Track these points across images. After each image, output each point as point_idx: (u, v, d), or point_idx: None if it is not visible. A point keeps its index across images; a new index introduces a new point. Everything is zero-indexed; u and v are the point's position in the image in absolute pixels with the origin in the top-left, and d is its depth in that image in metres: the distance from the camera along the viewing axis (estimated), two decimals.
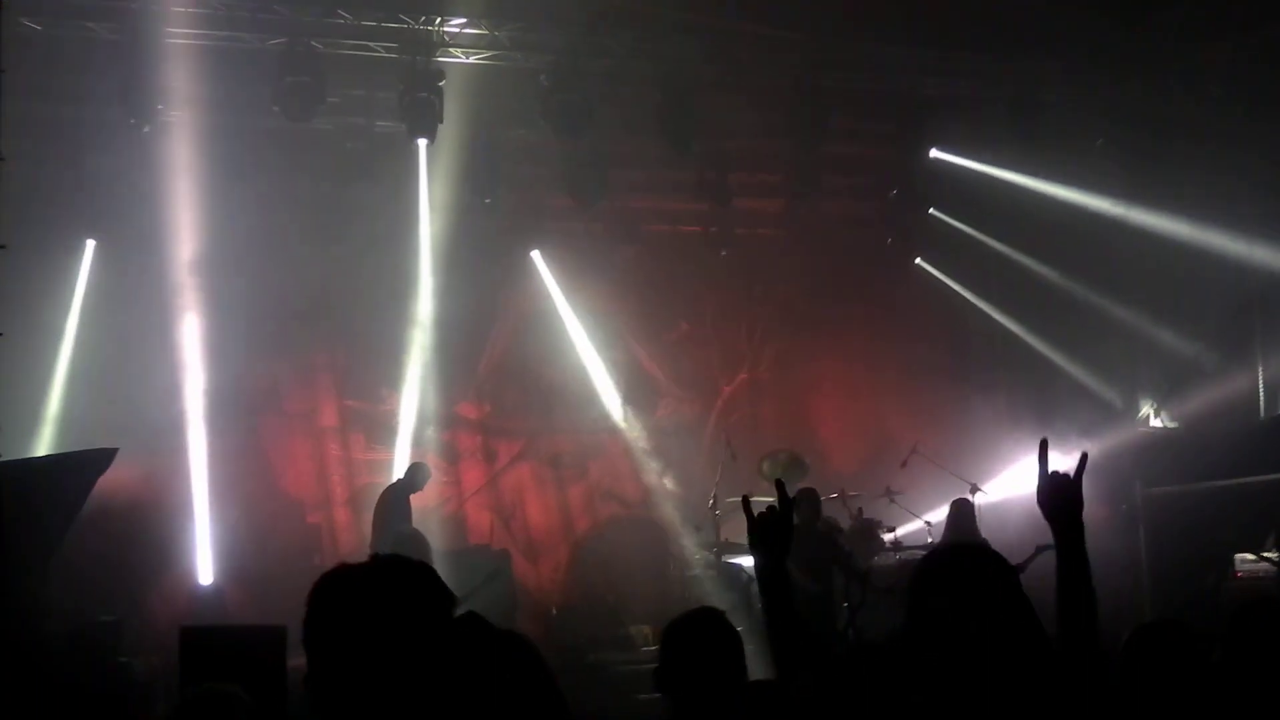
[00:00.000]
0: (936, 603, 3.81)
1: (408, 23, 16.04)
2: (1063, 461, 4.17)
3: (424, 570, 2.95)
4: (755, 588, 14.59)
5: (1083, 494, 4.06)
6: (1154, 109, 17.84)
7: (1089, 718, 3.85)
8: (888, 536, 16.80)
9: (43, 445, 16.51)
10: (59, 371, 17.21)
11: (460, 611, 3.07)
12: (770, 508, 4.45)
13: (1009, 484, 18.40)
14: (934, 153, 19.40)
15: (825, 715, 4.14)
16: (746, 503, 4.55)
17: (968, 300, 21.04)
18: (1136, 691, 4.89)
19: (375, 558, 3.04)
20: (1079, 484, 4.08)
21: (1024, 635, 3.79)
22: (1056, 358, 20.22)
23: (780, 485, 4.55)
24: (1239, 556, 15.16)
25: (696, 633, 4.85)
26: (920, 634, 3.80)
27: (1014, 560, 4.30)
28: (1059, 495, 4.08)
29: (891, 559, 16.27)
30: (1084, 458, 4.21)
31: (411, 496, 16.02)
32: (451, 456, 19.36)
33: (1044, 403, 19.94)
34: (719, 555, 17.07)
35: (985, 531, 15.48)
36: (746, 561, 16.82)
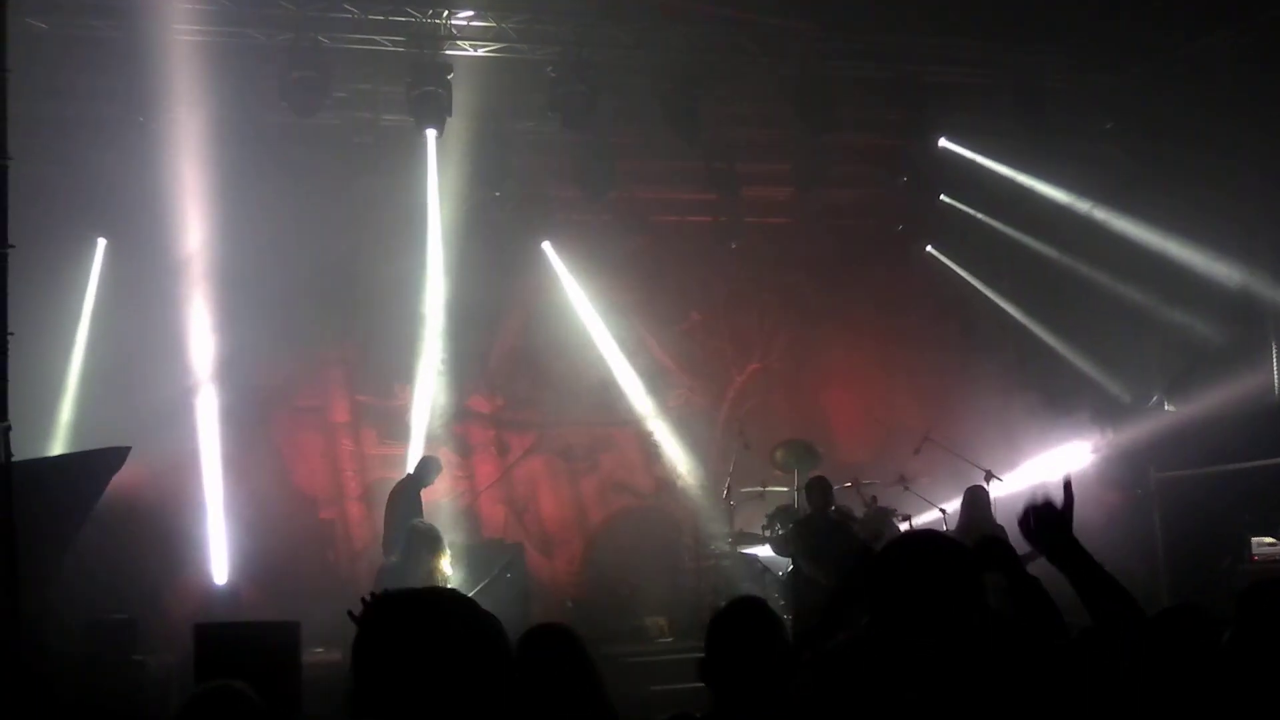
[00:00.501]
0: (892, 596, 3.77)
1: (414, 16, 16.01)
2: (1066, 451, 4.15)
3: (488, 622, 2.94)
4: (769, 577, 14.57)
5: (1068, 520, 4.03)
6: (1159, 94, 17.78)
7: (1103, 702, 3.83)
8: (902, 524, 16.78)
9: (55, 445, 16.55)
10: (71, 371, 17.25)
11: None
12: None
13: (1023, 472, 18.38)
14: (943, 142, 19.35)
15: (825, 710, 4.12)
16: (807, 523, 4.68)
17: (978, 288, 21.00)
18: (1153, 677, 4.85)
19: (435, 592, 3.01)
20: (1066, 513, 4.04)
21: (997, 622, 3.76)
22: (1064, 346, 20.13)
23: (1068, 484, 4.36)
24: (1255, 540, 15.13)
25: (742, 623, 4.84)
26: (882, 629, 3.76)
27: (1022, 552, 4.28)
28: (1040, 523, 4.05)
29: None
30: (1068, 484, 4.17)
31: (423, 490, 16.03)
32: (464, 450, 19.36)
33: (1057, 388, 19.90)
34: (733, 545, 17.07)
35: (1001, 520, 15.45)
36: (761, 551, 16.84)
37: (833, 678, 4.09)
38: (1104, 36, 17.12)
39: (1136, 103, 18.14)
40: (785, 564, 15.58)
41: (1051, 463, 18.19)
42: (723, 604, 5.07)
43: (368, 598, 4.01)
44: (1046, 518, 4.05)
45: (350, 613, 2.94)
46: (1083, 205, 19.08)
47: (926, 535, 4.23)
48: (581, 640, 5.22)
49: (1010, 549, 4.16)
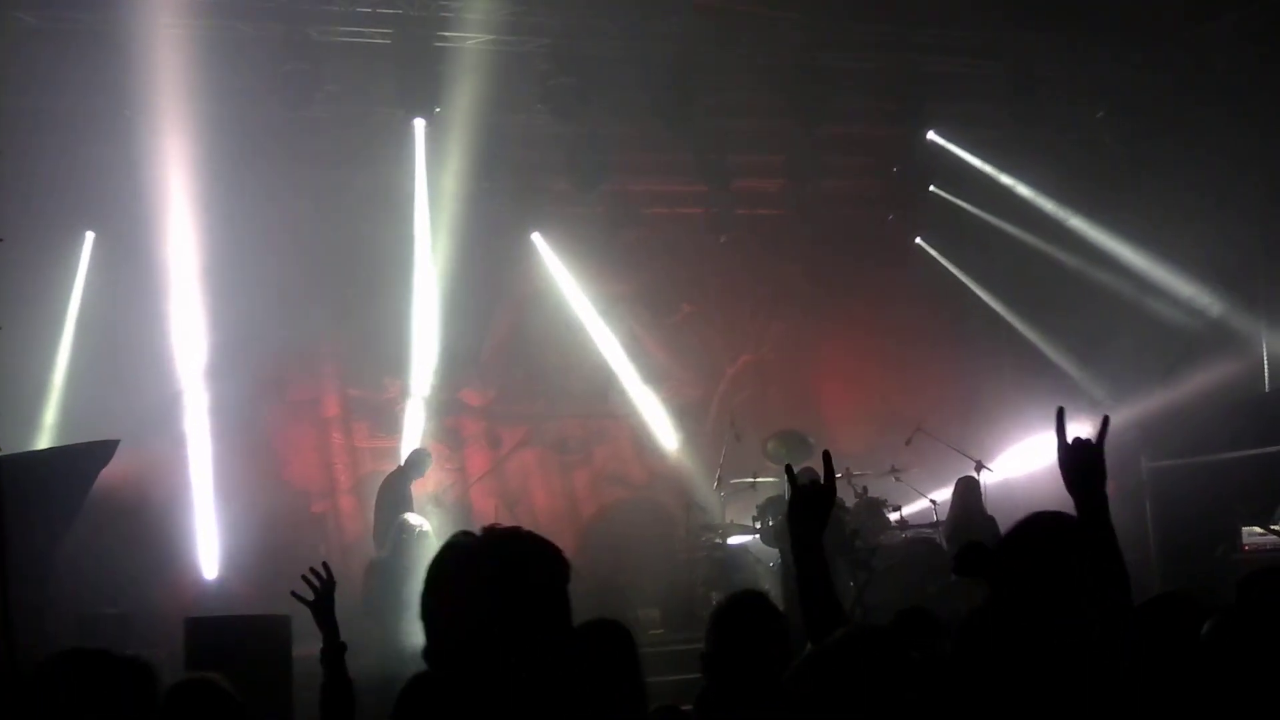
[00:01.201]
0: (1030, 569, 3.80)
1: (404, 8, 15.97)
2: (1073, 430, 4.13)
3: (547, 548, 2.94)
4: (760, 569, 14.56)
5: (1104, 461, 4.02)
6: (1155, 82, 17.77)
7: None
8: (893, 515, 16.81)
9: (44, 438, 16.51)
10: (60, 364, 17.19)
11: None
12: (814, 481, 4.64)
13: (1014, 461, 18.41)
14: (931, 135, 19.36)
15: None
16: (790, 471, 4.77)
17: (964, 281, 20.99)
18: (1145, 664, 4.85)
19: (495, 529, 3.00)
20: (1100, 451, 4.03)
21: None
22: (1046, 340, 20.09)
23: (827, 457, 4.79)
24: (1246, 529, 15.14)
25: (744, 617, 4.85)
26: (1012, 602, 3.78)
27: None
28: (1081, 463, 4.04)
29: (897, 537, 16.27)
30: (1105, 421, 4.17)
31: (415, 483, 16.03)
32: (455, 443, 19.35)
33: (1048, 378, 19.91)
34: (725, 536, 17.08)
35: (991, 509, 15.48)
36: (751, 542, 16.85)
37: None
38: (1099, 22, 17.09)
39: (1131, 89, 18.11)
40: (775, 555, 15.60)
41: (1034, 451, 18.29)
42: (714, 596, 5.09)
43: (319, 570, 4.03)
44: (1086, 457, 4.06)
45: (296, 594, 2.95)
46: (1060, 210, 19.09)
47: (1060, 516, 4.24)
48: (635, 640, 5.20)
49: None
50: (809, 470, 14.44)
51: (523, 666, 2.77)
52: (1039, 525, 4.11)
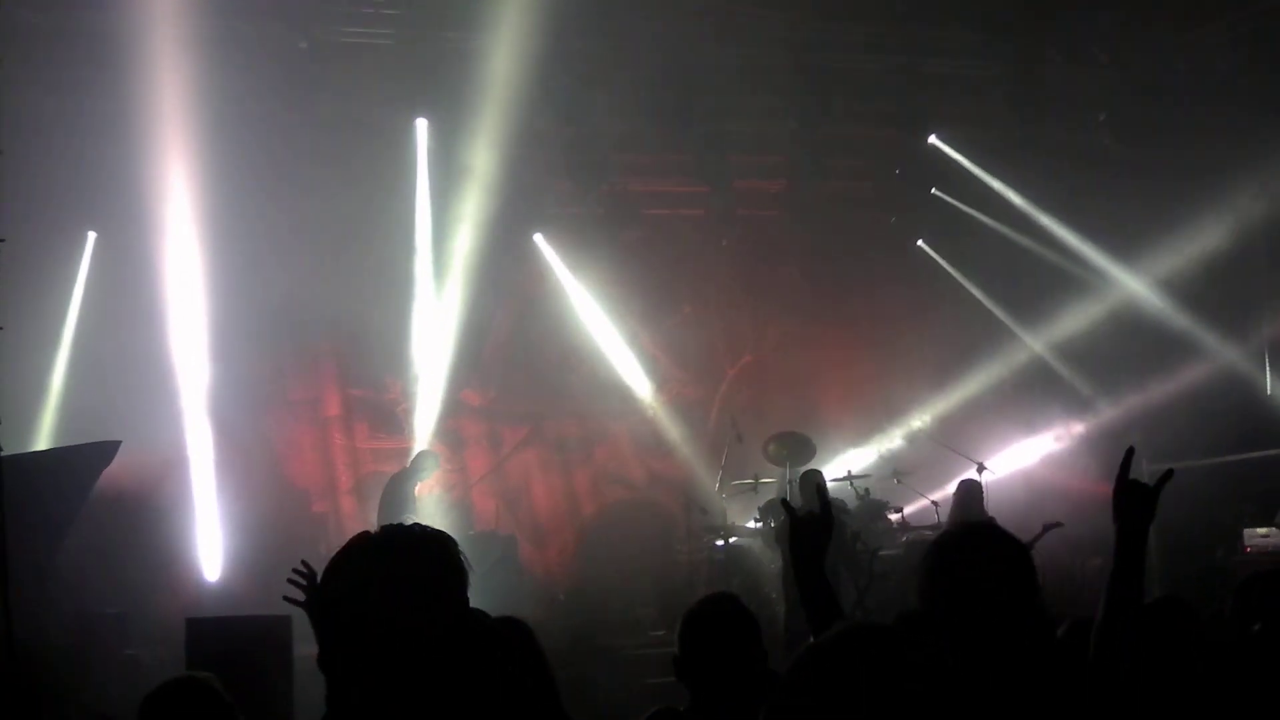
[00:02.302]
0: (951, 582, 3.84)
1: (405, 8, 15.97)
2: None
3: (440, 541, 2.90)
4: (761, 570, 14.52)
5: (1155, 507, 4.11)
6: (1156, 84, 17.76)
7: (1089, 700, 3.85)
8: (894, 517, 16.80)
9: (45, 439, 16.50)
10: (61, 364, 17.20)
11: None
12: (810, 512, 4.76)
13: (1012, 461, 18.43)
14: (933, 139, 19.37)
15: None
16: (788, 506, 4.89)
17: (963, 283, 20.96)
18: (1142, 670, 4.86)
19: (389, 527, 2.97)
20: (1156, 497, 4.13)
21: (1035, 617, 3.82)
22: (1043, 343, 20.05)
23: (823, 489, 4.83)
24: (1247, 531, 15.14)
25: (714, 620, 4.83)
26: (936, 613, 3.82)
27: (1023, 539, 4.31)
28: (1133, 502, 4.14)
29: (899, 539, 16.26)
30: (1169, 474, 4.27)
31: (418, 484, 16.03)
32: (456, 443, 19.34)
33: (1044, 380, 19.92)
34: (726, 537, 17.07)
35: (992, 510, 15.47)
36: (752, 544, 16.85)
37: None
38: (1101, 25, 17.09)
39: (1132, 91, 18.10)
40: (776, 556, 15.58)
41: (1031, 453, 18.37)
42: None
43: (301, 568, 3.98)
44: (1140, 499, 4.09)
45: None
46: (1058, 215, 19.08)
47: (988, 526, 4.33)
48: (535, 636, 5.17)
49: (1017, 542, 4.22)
50: (816, 474, 14.52)
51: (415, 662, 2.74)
52: (1141, 496, 4.19)
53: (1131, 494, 4.16)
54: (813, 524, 4.74)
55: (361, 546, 2.88)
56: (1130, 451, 4.27)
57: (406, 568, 2.80)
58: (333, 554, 2.89)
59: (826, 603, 4.65)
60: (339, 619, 2.78)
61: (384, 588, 2.76)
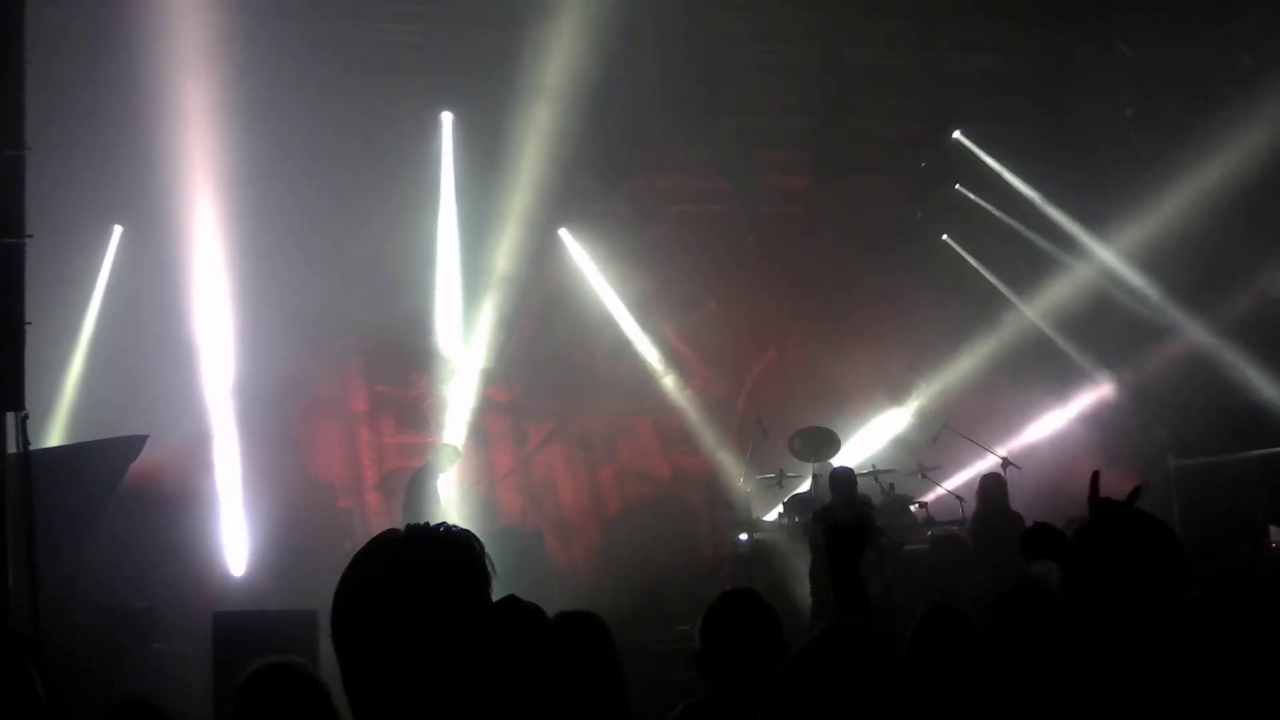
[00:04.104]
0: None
1: (431, 4, 15.99)
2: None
3: (464, 542, 2.88)
4: (786, 565, 14.47)
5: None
6: (1183, 79, 17.68)
7: None
8: (918, 511, 16.77)
9: (72, 433, 16.57)
10: (88, 359, 17.25)
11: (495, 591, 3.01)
12: (850, 523, 5.10)
13: (1037, 455, 18.41)
14: (957, 135, 19.34)
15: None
16: (828, 516, 5.06)
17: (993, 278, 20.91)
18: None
19: (413, 527, 2.94)
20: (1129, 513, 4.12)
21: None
22: (1066, 339, 20.00)
23: (866, 504, 5.03)
24: (1274, 527, 15.09)
25: (734, 614, 4.83)
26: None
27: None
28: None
29: (924, 534, 16.24)
30: (1137, 491, 4.25)
31: (441, 479, 16.05)
32: (481, 439, 19.36)
33: (1070, 373, 19.88)
34: (751, 532, 17.06)
35: (1016, 505, 15.42)
36: (777, 538, 16.83)
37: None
38: (1126, 20, 17.03)
39: (1159, 87, 18.02)
40: (802, 551, 15.55)
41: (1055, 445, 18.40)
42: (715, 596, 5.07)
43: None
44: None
45: None
46: (1084, 214, 19.02)
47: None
48: (608, 629, 5.21)
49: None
50: (846, 471, 14.50)
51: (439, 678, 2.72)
52: (1115, 514, 4.16)
53: (1105, 514, 4.12)
54: (854, 532, 4.96)
55: (383, 545, 2.87)
56: (1095, 475, 4.24)
57: (427, 568, 2.79)
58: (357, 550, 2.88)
59: (861, 601, 4.89)
60: (358, 620, 2.78)
61: (402, 587, 2.75)
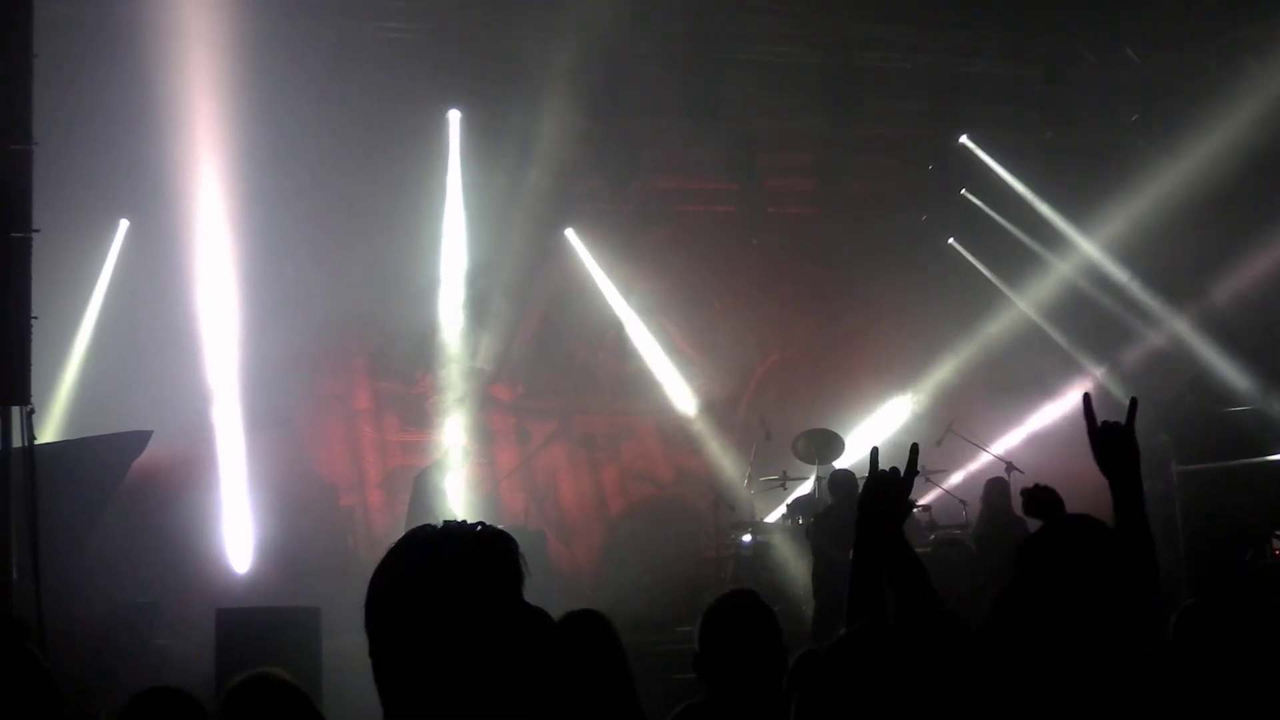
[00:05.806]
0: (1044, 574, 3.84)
1: (440, 1, 16.00)
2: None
3: (500, 540, 2.88)
4: (789, 567, 14.43)
5: (1135, 441, 4.04)
6: (1188, 85, 17.66)
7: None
8: (922, 515, 16.75)
9: (76, 428, 16.57)
10: (93, 354, 17.26)
11: None
12: (893, 468, 4.51)
13: (1039, 458, 18.37)
14: (964, 139, 19.34)
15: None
16: (874, 454, 4.68)
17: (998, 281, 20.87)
18: (1191, 669, 4.82)
19: (450, 523, 2.94)
20: (1131, 430, 4.04)
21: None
22: (1072, 345, 19.98)
23: (914, 449, 4.61)
24: (1277, 533, 15.07)
25: (732, 616, 4.82)
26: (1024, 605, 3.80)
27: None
28: (1114, 447, 4.05)
29: (928, 538, 16.23)
30: (1134, 404, 4.18)
31: (447, 478, 16.06)
32: (484, 437, 19.36)
33: (1073, 374, 19.85)
34: (754, 534, 17.06)
35: (1018, 509, 15.41)
36: (780, 540, 16.84)
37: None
38: (1132, 25, 17.01)
39: (1164, 92, 17.99)
40: (805, 553, 15.54)
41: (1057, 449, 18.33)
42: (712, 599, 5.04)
43: None
44: (1119, 441, 4.06)
45: None
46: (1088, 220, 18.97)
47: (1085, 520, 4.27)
48: (615, 629, 5.21)
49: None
50: (848, 474, 14.47)
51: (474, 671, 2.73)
52: (1072, 523, 4.13)
53: (1107, 438, 4.07)
54: (891, 482, 4.47)
55: (421, 540, 2.88)
56: (1086, 397, 4.19)
57: (466, 564, 2.80)
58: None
59: (875, 582, 4.36)
60: (393, 613, 2.78)
61: (435, 584, 2.76)
